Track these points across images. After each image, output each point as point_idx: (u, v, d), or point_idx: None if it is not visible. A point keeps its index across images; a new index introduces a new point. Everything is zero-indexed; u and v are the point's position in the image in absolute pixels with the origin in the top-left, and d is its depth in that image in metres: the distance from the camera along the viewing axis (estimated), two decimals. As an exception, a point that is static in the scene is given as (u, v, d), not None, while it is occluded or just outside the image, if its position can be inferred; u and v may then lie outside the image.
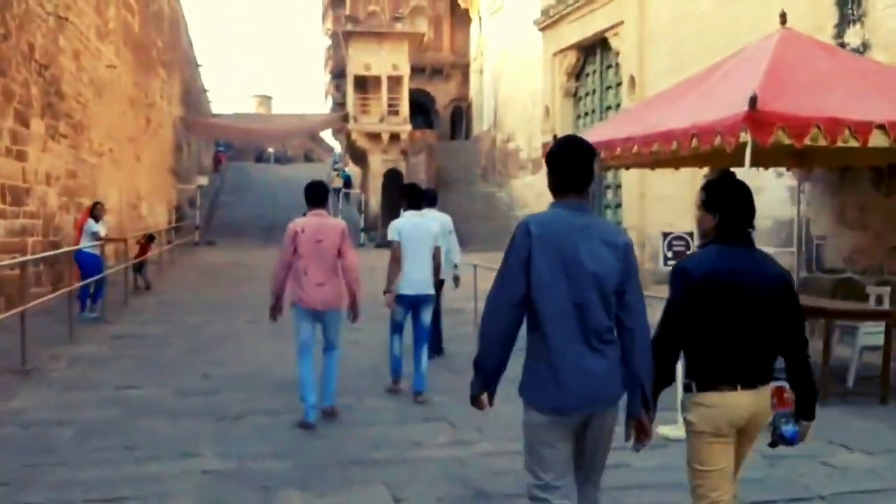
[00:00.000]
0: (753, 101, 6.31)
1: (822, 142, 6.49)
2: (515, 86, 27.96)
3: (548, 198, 3.01)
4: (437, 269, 7.23)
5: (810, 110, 6.54)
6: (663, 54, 13.25)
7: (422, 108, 35.45)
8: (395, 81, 29.88)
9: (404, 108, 29.69)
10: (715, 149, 6.95)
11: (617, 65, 15.06)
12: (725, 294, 2.89)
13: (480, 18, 32.64)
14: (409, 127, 29.71)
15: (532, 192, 26.18)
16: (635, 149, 8.16)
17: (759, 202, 10.11)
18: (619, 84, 15.08)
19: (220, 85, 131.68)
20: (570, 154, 2.91)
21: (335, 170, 41.74)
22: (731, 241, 3.02)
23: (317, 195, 6.19)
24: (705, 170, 12.53)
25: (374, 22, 30.40)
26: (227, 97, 76.90)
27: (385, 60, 29.62)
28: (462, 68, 36.58)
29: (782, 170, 10.54)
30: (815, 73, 7.45)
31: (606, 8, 14.73)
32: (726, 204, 3.07)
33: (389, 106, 29.77)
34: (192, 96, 35.64)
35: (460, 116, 37.32)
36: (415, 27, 31.21)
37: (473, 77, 34.72)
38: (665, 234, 6.58)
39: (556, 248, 2.73)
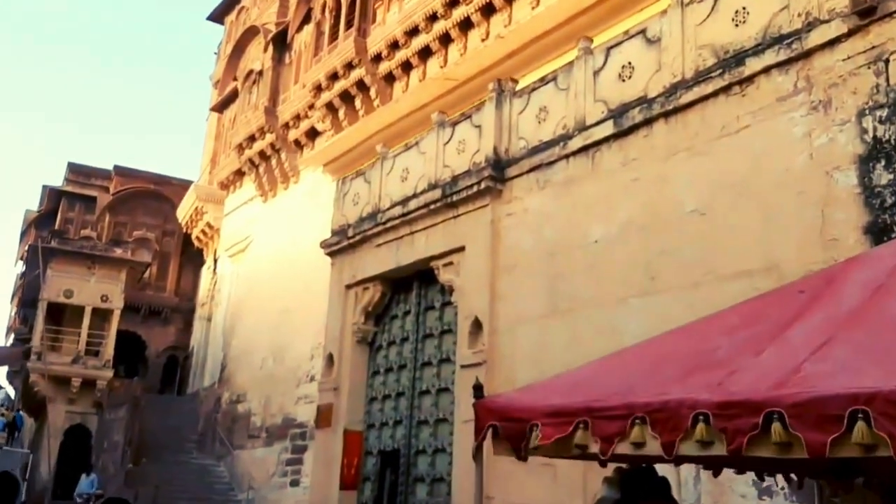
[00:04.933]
0: None
1: None
2: (253, 339, 22.61)
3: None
4: None
5: None
6: (532, 293, 8.96)
7: (128, 355, 28.39)
8: (101, 316, 23.17)
9: (109, 349, 22.84)
10: None
11: (445, 305, 10.56)
12: None
13: (216, 260, 27.51)
14: (110, 373, 22.70)
15: (263, 470, 20.00)
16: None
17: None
18: (444, 332, 10.49)
19: None
20: None
21: (4, 410, 32.13)
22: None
23: None
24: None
25: (86, 243, 24.06)
26: None
27: (93, 289, 23.04)
28: (185, 314, 30.42)
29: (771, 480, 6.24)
30: None
31: (436, 230, 10.46)
32: None
33: (89, 345, 22.76)
34: None
35: (175, 368, 30.51)
36: (136, 258, 25.21)
37: (198, 324, 28.76)
38: None
39: None
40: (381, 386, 11.33)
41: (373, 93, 19.45)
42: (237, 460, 21.07)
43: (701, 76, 7.78)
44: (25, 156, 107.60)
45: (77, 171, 32.52)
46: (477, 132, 10.20)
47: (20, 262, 34.47)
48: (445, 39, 17.65)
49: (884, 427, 2.82)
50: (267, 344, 21.56)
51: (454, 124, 10.68)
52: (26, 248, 30.58)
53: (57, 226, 29.77)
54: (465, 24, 17.05)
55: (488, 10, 16.39)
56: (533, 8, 15.20)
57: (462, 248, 9.98)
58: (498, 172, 9.63)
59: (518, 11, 15.73)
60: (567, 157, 8.95)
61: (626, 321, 7.89)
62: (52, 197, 32.59)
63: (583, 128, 8.86)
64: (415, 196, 10.82)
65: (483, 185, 9.67)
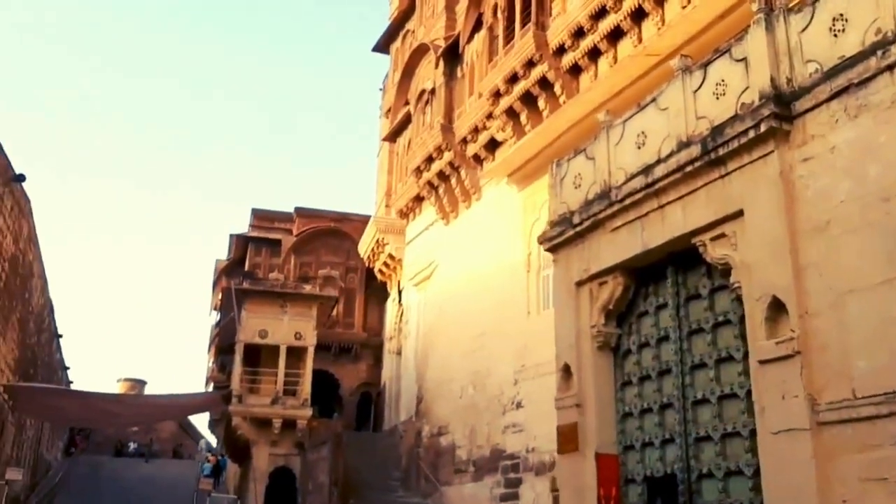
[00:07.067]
0: None
1: None
2: (448, 368, 20.88)
3: None
4: None
5: None
6: (861, 254, 6.48)
7: (323, 393, 27.55)
8: (296, 354, 22.28)
9: (305, 387, 21.83)
10: None
11: (716, 291, 8.21)
12: None
13: (400, 292, 26.25)
14: (309, 412, 21.66)
15: (475, 505, 18.08)
16: None
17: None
18: (720, 323, 8.12)
19: (85, 364, 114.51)
20: None
21: (209, 455, 32.31)
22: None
23: None
24: None
25: (277, 282, 23.44)
26: (92, 378, 65.48)
27: (286, 328, 22.22)
28: (374, 349, 29.38)
29: None
30: None
31: (696, 196, 8.16)
32: None
33: (286, 384, 21.87)
34: (41, 368, 26.80)
35: (369, 404, 29.43)
36: (324, 293, 24.31)
37: (388, 358, 27.56)
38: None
39: None
40: (635, 398, 9.04)
41: (557, 89, 17.49)
42: (445, 497, 19.26)
43: None
44: (211, 208, 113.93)
45: (261, 216, 32.59)
46: (741, 67, 7.86)
47: (214, 312, 34.86)
48: (638, 15, 15.48)
49: None
50: (464, 371, 19.80)
51: (705, 65, 8.39)
52: (219, 296, 30.67)
53: (247, 266, 29.71)
54: (662, -8, 14.87)
55: (689, -28, 14.12)
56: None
57: (739, 214, 7.62)
58: (782, 108, 7.25)
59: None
60: (891, 68, 6.48)
61: None
62: (240, 244, 32.76)
63: (911, 24, 6.39)
64: (660, 161, 8.59)
65: (763, 128, 7.31)
